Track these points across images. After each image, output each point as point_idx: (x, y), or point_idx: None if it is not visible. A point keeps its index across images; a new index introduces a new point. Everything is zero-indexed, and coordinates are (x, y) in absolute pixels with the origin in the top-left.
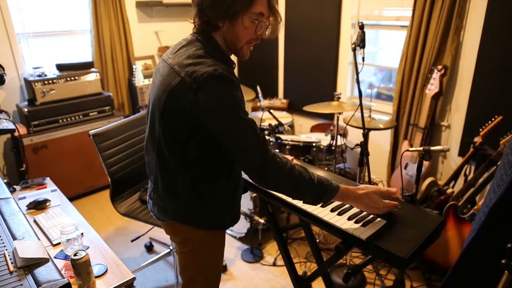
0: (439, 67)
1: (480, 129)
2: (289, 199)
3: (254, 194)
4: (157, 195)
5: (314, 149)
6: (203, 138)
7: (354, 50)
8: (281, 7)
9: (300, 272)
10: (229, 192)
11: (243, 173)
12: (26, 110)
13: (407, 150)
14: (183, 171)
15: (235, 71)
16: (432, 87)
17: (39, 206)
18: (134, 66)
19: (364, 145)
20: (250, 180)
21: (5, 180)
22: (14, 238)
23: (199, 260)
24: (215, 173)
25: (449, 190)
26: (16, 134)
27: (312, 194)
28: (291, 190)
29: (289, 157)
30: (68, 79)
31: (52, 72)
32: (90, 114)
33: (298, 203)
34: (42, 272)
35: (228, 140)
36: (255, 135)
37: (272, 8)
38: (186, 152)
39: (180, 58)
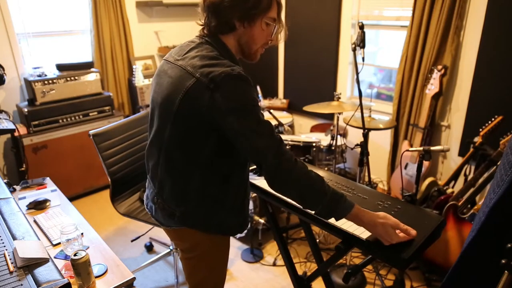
0: (439, 67)
1: (480, 129)
2: (289, 200)
3: (254, 194)
4: (162, 199)
5: (314, 149)
6: (218, 139)
7: (354, 50)
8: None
9: (300, 272)
10: (239, 194)
11: None
12: (26, 110)
13: (407, 150)
14: (194, 172)
15: None
16: (432, 87)
17: (39, 206)
18: (134, 66)
19: (364, 145)
20: (252, 182)
21: (5, 180)
22: (14, 238)
23: (209, 264)
24: (227, 175)
25: (449, 190)
26: (16, 134)
27: (323, 206)
28: (301, 195)
29: None
30: (68, 79)
31: (52, 72)
32: (90, 114)
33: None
34: (42, 272)
35: (244, 140)
36: (271, 136)
37: (279, 16)
38: (200, 153)
39: (192, 60)
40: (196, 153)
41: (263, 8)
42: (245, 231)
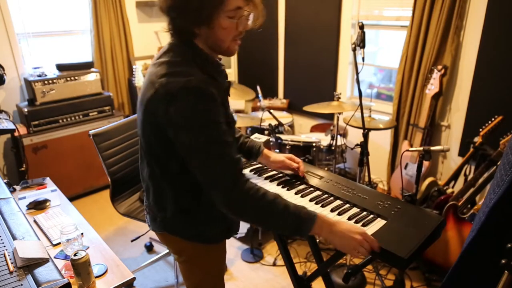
0: (439, 67)
1: (480, 129)
2: None
3: None
4: (148, 203)
5: (314, 149)
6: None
7: (354, 50)
8: (281, 7)
9: (300, 272)
10: (215, 206)
11: None
12: (26, 110)
13: (407, 150)
14: (167, 183)
15: (233, 70)
16: (432, 87)
17: (39, 206)
18: (134, 66)
19: (364, 145)
20: None
21: (5, 180)
22: (14, 238)
23: (202, 268)
24: (199, 187)
25: (449, 190)
26: (16, 134)
27: (287, 225)
28: (261, 219)
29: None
30: (68, 79)
31: (52, 72)
32: (90, 114)
33: (299, 203)
34: (42, 272)
35: (194, 159)
36: (224, 157)
37: None
38: (168, 165)
39: (159, 67)
40: (165, 163)
41: (214, 5)
42: (245, 233)
